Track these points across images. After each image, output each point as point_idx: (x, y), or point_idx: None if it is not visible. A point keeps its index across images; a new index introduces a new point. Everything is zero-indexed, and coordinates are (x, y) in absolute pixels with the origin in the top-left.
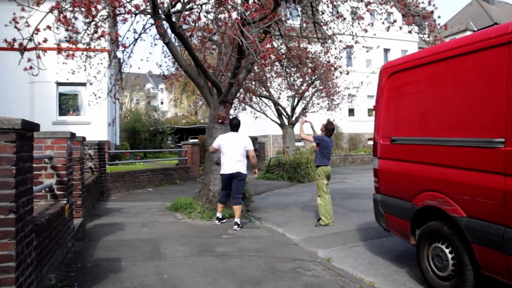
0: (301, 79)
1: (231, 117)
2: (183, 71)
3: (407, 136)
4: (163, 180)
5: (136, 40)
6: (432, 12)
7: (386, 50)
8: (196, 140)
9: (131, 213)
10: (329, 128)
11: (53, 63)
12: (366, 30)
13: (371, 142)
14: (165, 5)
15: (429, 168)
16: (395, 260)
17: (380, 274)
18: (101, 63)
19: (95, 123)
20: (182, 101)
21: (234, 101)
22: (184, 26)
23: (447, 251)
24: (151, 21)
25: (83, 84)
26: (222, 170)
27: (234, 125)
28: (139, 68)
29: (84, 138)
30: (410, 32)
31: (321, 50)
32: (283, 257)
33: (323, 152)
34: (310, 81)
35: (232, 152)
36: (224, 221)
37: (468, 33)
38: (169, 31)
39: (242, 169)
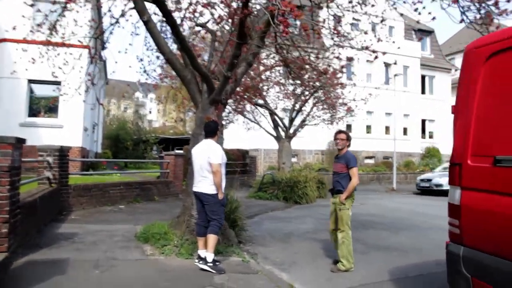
0: (302, 87)
1: (223, 122)
2: (166, 60)
3: None
4: (139, 195)
5: (113, 25)
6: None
7: (387, 65)
8: (181, 151)
9: (86, 243)
10: (350, 139)
11: (24, 58)
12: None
13: (368, 161)
14: None
15: None
16: None
17: None
18: (70, 53)
19: (69, 127)
20: (170, 111)
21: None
22: None
23: None
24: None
25: (58, 83)
26: None
27: (208, 131)
28: (116, 62)
29: (19, 140)
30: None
31: (328, 55)
32: None
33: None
34: (313, 90)
35: (195, 166)
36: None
37: None
38: (148, 5)
39: (206, 188)
